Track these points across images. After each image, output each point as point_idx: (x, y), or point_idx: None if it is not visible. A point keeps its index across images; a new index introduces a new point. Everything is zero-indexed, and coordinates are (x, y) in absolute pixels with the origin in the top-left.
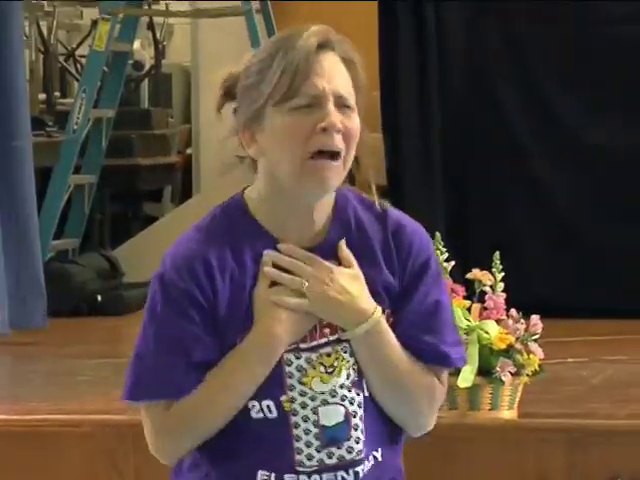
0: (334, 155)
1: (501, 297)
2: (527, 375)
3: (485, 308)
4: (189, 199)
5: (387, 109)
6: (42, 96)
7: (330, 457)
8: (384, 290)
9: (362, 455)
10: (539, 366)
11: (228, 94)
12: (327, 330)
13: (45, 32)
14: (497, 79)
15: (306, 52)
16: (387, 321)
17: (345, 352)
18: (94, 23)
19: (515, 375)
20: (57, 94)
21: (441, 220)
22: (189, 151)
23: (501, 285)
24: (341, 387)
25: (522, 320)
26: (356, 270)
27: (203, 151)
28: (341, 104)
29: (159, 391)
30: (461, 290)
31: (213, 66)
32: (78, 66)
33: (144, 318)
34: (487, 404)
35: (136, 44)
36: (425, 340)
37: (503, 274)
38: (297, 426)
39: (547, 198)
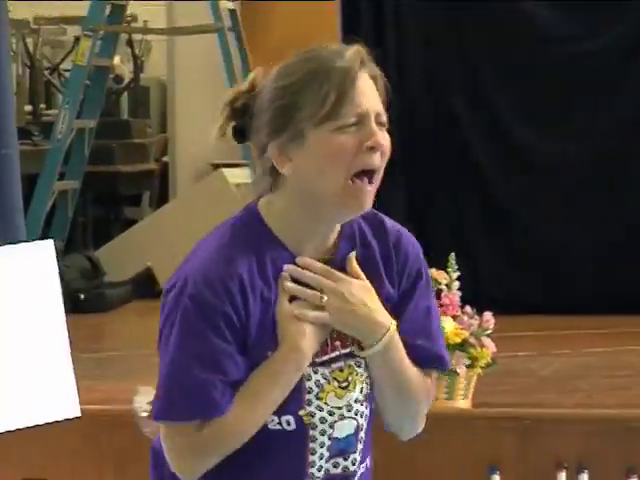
0: (373, 174)
1: (456, 295)
2: (480, 367)
3: (441, 305)
4: (166, 203)
5: None
6: (28, 108)
7: (336, 467)
8: (387, 301)
9: (359, 466)
10: (492, 359)
11: (236, 114)
12: (338, 343)
13: (31, 48)
14: (449, 83)
15: (348, 72)
16: None
17: (359, 366)
18: (77, 40)
19: (469, 367)
20: (42, 106)
21: (400, 222)
22: (165, 159)
23: (456, 284)
24: (355, 401)
25: (476, 316)
26: (367, 283)
27: (178, 159)
28: (379, 122)
29: (196, 410)
30: None
31: (188, 80)
32: (62, 79)
33: (174, 338)
34: (443, 394)
35: (116, 59)
36: (421, 345)
37: (458, 273)
38: (314, 439)
39: (500, 201)
